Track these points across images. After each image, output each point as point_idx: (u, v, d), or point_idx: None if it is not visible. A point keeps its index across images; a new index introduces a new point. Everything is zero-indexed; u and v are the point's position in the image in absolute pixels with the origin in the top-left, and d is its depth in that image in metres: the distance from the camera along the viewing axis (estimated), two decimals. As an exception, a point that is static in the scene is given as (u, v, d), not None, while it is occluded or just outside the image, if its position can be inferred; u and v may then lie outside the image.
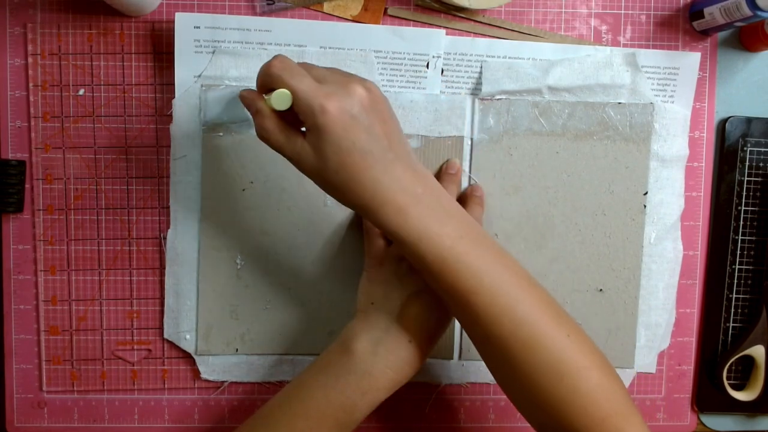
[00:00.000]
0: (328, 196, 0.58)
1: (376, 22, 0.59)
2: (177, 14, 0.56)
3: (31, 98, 0.58)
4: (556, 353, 0.44)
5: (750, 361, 0.63)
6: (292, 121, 0.45)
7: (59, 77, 0.58)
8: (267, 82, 0.45)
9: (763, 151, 0.62)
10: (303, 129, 0.45)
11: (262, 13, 0.58)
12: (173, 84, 0.57)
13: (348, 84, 0.44)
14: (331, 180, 0.44)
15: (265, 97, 0.45)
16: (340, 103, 0.43)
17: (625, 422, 0.45)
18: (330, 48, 0.58)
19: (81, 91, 0.58)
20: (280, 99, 0.44)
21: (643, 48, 0.60)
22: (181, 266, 0.59)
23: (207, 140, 0.58)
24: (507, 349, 0.45)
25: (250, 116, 0.55)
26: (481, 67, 0.59)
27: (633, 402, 0.47)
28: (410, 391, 0.61)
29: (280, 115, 0.45)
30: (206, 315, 0.59)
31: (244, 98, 0.48)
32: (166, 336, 0.60)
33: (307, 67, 0.46)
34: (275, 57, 0.45)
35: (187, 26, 0.57)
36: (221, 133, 0.58)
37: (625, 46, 0.60)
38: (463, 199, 0.59)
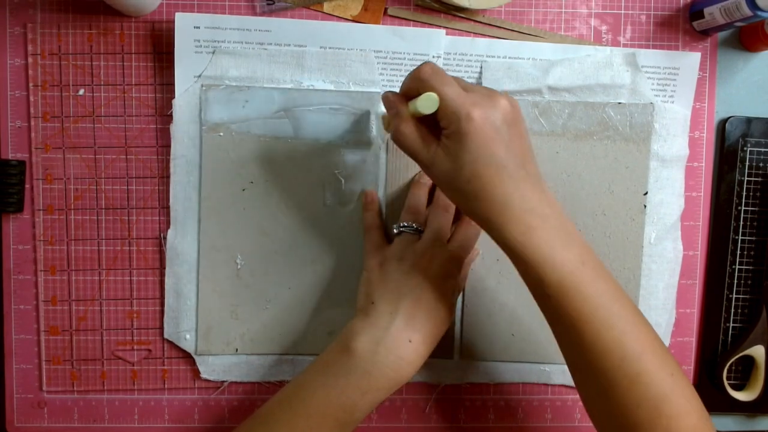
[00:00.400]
0: (327, 195, 0.58)
1: (376, 22, 0.59)
2: (177, 14, 0.56)
3: (31, 98, 0.58)
4: (658, 392, 0.44)
5: (750, 361, 0.63)
6: (428, 129, 0.46)
7: (59, 77, 0.58)
8: (415, 86, 0.45)
9: (763, 151, 0.62)
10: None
11: (262, 13, 0.58)
12: (173, 84, 0.58)
13: (493, 96, 0.44)
14: (462, 188, 0.44)
15: (410, 103, 0.46)
16: (485, 112, 0.43)
17: None
18: (330, 48, 0.58)
19: (81, 91, 0.58)
20: (428, 102, 0.44)
21: (643, 48, 0.60)
22: (181, 266, 0.59)
23: (207, 140, 0.58)
24: (611, 383, 0.44)
25: (250, 116, 0.55)
26: (481, 67, 0.59)
27: None
28: (410, 391, 0.61)
29: (419, 120, 0.46)
30: (206, 315, 0.59)
31: (387, 99, 0.48)
32: (166, 336, 0.60)
33: (455, 78, 0.46)
34: (425, 63, 0.45)
35: (187, 26, 0.57)
36: (221, 133, 0.58)
37: (625, 46, 0.60)
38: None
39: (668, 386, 0.44)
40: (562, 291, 0.44)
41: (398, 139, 0.47)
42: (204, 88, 0.57)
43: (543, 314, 0.47)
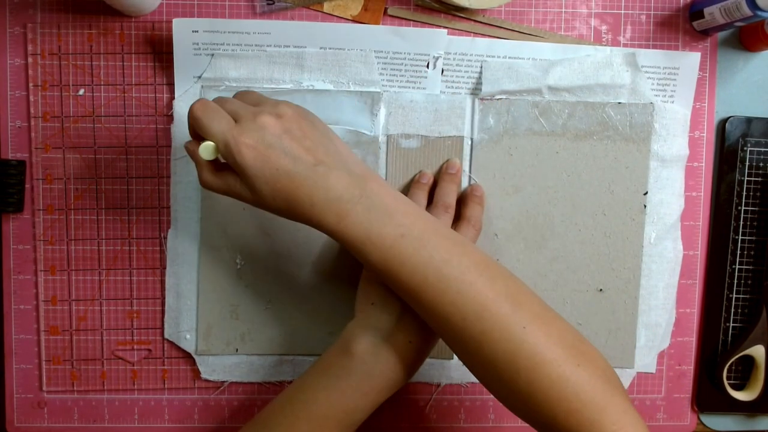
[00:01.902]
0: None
1: (376, 22, 0.59)
2: (174, 20, 0.56)
3: (31, 98, 0.58)
4: (508, 347, 0.44)
5: (750, 361, 0.63)
6: (227, 167, 0.47)
7: (59, 77, 0.58)
8: (194, 127, 0.47)
9: (763, 151, 0.62)
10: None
11: (262, 13, 0.58)
12: (173, 84, 0.58)
13: (257, 116, 0.45)
14: (272, 207, 0.46)
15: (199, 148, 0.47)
16: (251, 138, 0.44)
17: (599, 413, 0.43)
18: (330, 48, 0.58)
19: (81, 91, 0.58)
20: (207, 150, 0.46)
21: (643, 48, 0.60)
22: (182, 266, 0.59)
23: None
24: (461, 343, 0.45)
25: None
26: (481, 67, 0.59)
27: (618, 389, 0.45)
28: (410, 391, 0.61)
29: (218, 162, 0.47)
30: (206, 315, 0.59)
31: (188, 150, 0.49)
32: (166, 336, 0.60)
33: (221, 101, 0.48)
34: (195, 102, 0.47)
35: (185, 31, 0.57)
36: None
37: (625, 46, 0.60)
38: (463, 199, 0.59)
39: (519, 338, 0.43)
40: (386, 265, 0.45)
41: (204, 186, 0.48)
42: (204, 89, 0.57)
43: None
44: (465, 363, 0.47)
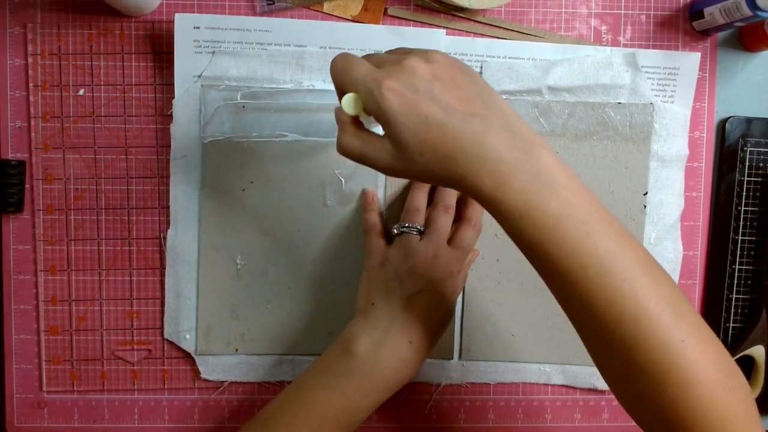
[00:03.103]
0: (327, 195, 0.58)
1: (376, 22, 0.59)
2: (176, 15, 0.56)
3: (31, 98, 0.58)
4: (662, 358, 0.39)
5: (750, 361, 0.63)
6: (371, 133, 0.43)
7: (59, 77, 0.58)
8: (337, 86, 0.43)
9: (763, 151, 0.62)
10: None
11: (262, 13, 0.58)
12: (173, 84, 0.58)
13: (403, 60, 0.40)
14: (419, 165, 0.40)
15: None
16: (397, 81, 0.39)
17: None
18: (330, 48, 0.58)
19: (81, 91, 0.58)
20: (349, 102, 0.42)
21: (643, 48, 0.60)
22: (181, 266, 0.59)
23: (207, 140, 0.58)
24: (608, 345, 0.40)
25: (250, 116, 0.55)
26: (481, 67, 0.59)
27: (757, 419, 0.41)
28: (410, 391, 0.61)
29: (361, 124, 0.43)
30: (206, 315, 0.59)
31: (335, 116, 0.44)
32: (166, 336, 0.60)
33: (369, 57, 0.43)
34: (335, 57, 0.42)
35: (186, 27, 0.57)
36: (221, 134, 0.58)
37: (625, 46, 0.60)
38: (463, 199, 0.59)
39: (675, 352, 0.39)
40: (544, 248, 0.40)
41: (341, 152, 0.44)
42: (204, 88, 0.57)
43: (534, 268, 0.43)
44: (602, 367, 0.43)
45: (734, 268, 0.62)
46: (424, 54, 0.41)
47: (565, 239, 0.39)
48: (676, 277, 0.61)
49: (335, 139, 0.57)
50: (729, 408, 0.40)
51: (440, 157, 0.39)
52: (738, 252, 0.62)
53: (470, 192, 0.40)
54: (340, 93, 0.43)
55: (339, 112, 0.43)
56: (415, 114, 0.39)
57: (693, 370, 0.39)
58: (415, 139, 0.39)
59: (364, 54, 0.44)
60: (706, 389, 0.39)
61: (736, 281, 0.62)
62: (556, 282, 0.41)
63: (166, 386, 0.61)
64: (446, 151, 0.39)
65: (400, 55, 0.42)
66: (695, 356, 0.39)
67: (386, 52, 0.44)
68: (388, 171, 0.42)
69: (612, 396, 0.48)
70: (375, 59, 0.42)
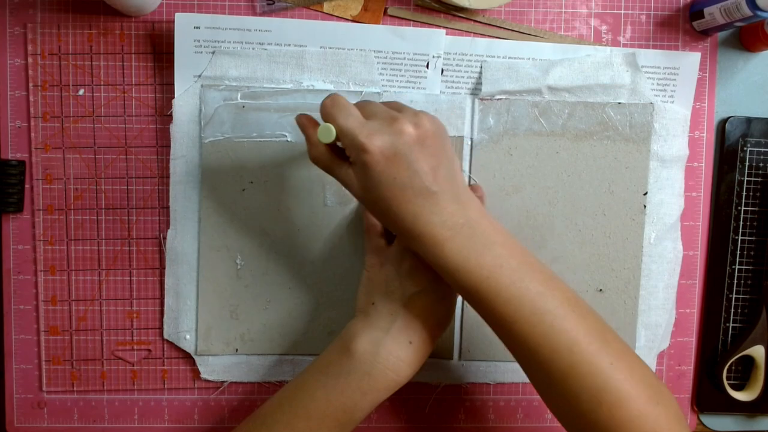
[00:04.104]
0: (327, 195, 0.58)
1: (376, 22, 0.59)
2: (177, 15, 0.56)
3: (31, 98, 0.58)
4: (595, 382, 0.44)
5: (750, 361, 0.63)
6: (340, 152, 0.47)
7: (59, 77, 0.58)
8: (322, 117, 0.47)
9: (763, 151, 0.62)
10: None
11: (262, 13, 0.58)
12: (173, 84, 0.58)
13: (395, 122, 0.45)
14: (373, 208, 0.46)
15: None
16: (382, 141, 0.44)
17: None
18: (330, 48, 0.58)
19: (81, 91, 0.58)
20: (326, 132, 0.46)
21: (643, 48, 0.60)
22: (181, 266, 0.59)
23: (207, 140, 0.58)
24: (547, 375, 0.45)
25: (249, 116, 0.55)
26: (481, 67, 0.59)
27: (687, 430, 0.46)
28: (410, 391, 0.61)
29: (331, 145, 0.47)
30: (206, 315, 0.59)
31: (299, 123, 0.49)
32: (166, 336, 0.60)
33: (362, 104, 0.47)
34: (328, 96, 0.47)
35: (186, 26, 0.57)
36: (221, 134, 0.58)
37: (625, 46, 0.60)
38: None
39: (606, 374, 0.44)
40: (480, 295, 0.45)
41: (313, 161, 0.48)
42: (204, 88, 0.57)
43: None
44: (544, 395, 0.48)
45: (734, 268, 0.62)
46: (414, 117, 0.45)
47: (500, 285, 0.45)
48: (676, 277, 0.61)
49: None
50: (659, 420, 0.44)
51: (392, 211, 0.45)
52: (738, 252, 0.62)
53: (410, 246, 0.47)
54: (323, 119, 0.47)
55: (308, 128, 0.48)
56: (387, 172, 0.44)
57: (623, 388, 0.44)
58: (377, 192, 0.45)
59: (356, 101, 0.48)
60: (638, 405, 0.44)
61: (736, 281, 0.62)
62: (497, 324, 0.46)
63: (166, 386, 0.61)
64: (400, 209, 0.45)
65: (391, 111, 0.46)
66: (623, 376, 0.44)
67: (381, 105, 0.48)
68: (352, 193, 0.47)
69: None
70: (368, 109, 0.47)
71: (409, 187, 0.44)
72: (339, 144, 0.47)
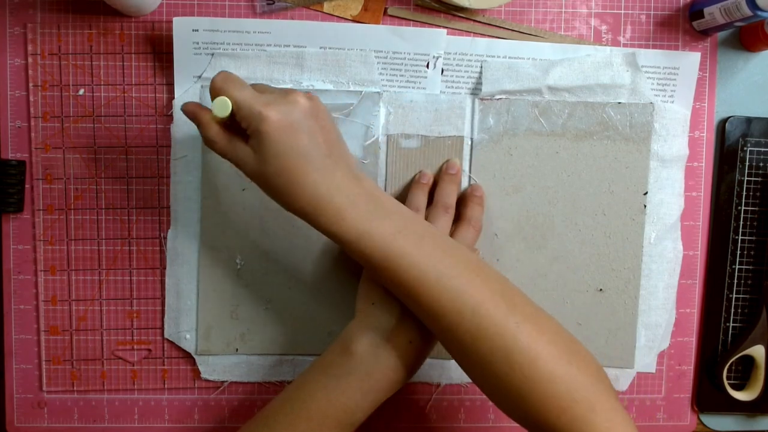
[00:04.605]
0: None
1: (376, 22, 0.59)
2: (175, 19, 0.56)
3: (31, 98, 0.58)
4: (503, 343, 0.44)
5: (750, 361, 0.63)
6: (236, 130, 0.47)
7: (59, 77, 0.58)
8: (213, 95, 0.47)
9: (763, 151, 0.62)
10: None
11: (262, 13, 0.58)
12: (173, 84, 0.58)
13: (289, 94, 0.46)
14: (272, 183, 0.46)
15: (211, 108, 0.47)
16: (278, 109, 0.45)
17: (590, 411, 0.43)
18: (330, 48, 0.58)
19: (81, 91, 0.58)
20: (221, 106, 0.46)
21: (643, 48, 0.60)
22: (181, 266, 0.59)
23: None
24: (457, 340, 0.46)
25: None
26: (481, 67, 0.59)
27: (608, 389, 0.45)
28: (410, 391, 0.61)
29: (224, 124, 0.47)
30: (206, 315, 0.59)
31: (187, 111, 0.49)
32: (166, 335, 0.60)
33: (253, 85, 0.48)
34: (218, 73, 0.47)
35: (185, 30, 0.57)
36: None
37: (625, 46, 0.60)
38: (463, 199, 0.59)
39: (513, 335, 0.44)
40: (384, 261, 0.46)
41: (208, 144, 0.48)
42: (204, 89, 0.57)
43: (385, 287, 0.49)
44: (460, 362, 0.48)
45: (734, 268, 0.62)
46: (305, 93, 0.47)
47: (404, 250, 0.45)
48: (676, 277, 0.61)
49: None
50: (575, 379, 0.44)
51: (293, 183, 0.45)
52: (738, 252, 0.62)
53: (312, 223, 0.47)
54: (213, 99, 0.47)
55: (197, 113, 0.48)
56: (285, 141, 0.45)
57: (533, 348, 0.44)
58: (277, 162, 0.45)
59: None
60: (548, 364, 0.44)
61: (736, 281, 0.62)
62: (404, 292, 0.47)
63: (166, 386, 0.61)
64: (300, 179, 0.45)
65: (281, 89, 0.48)
66: (532, 336, 0.44)
67: (267, 86, 0.49)
68: (245, 173, 0.47)
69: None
70: (258, 87, 0.48)
71: (308, 156, 0.45)
72: (228, 120, 0.47)
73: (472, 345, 0.45)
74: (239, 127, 0.47)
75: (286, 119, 0.45)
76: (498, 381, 0.45)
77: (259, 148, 0.45)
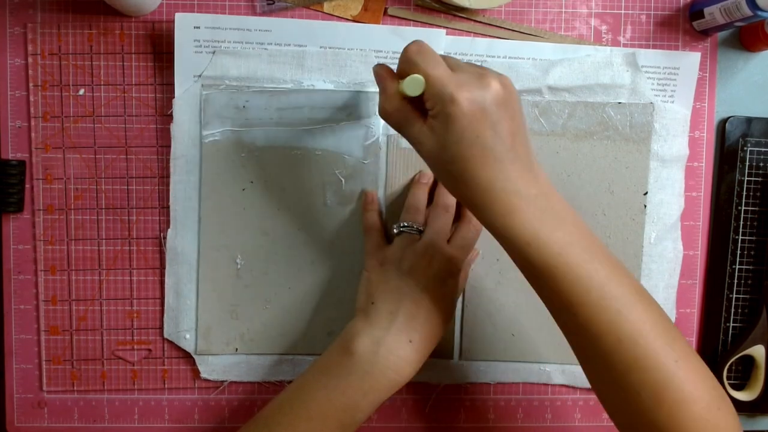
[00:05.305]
0: (327, 195, 0.58)
1: (376, 22, 0.59)
2: (177, 15, 0.56)
3: (31, 98, 0.58)
4: (658, 377, 0.42)
5: (750, 361, 0.63)
6: (415, 107, 0.45)
7: (59, 77, 0.58)
8: (403, 67, 0.45)
9: (763, 151, 0.62)
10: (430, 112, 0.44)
11: (262, 13, 0.58)
12: (173, 84, 0.58)
13: (484, 76, 0.43)
14: (446, 168, 0.44)
15: (399, 82, 0.45)
16: (471, 94, 0.42)
17: None
18: (330, 48, 0.58)
19: (81, 91, 0.58)
20: (414, 84, 0.43)
21: (643, 48, 0.60)
22: (181, 266, 0.59)
23: (207, 140, 0.58)
24: (608, 366, 0.43)
25: (250, 116, 0.55)
26: (481, 67, 0.59)
27: None
28: (410, 391, 0.61)
29: (406, 97, 0.45)
30: (206, 315, 0.59)
31: (376, 74, 0.47)
32: (166, 335, 0.60)
33: (445, 57, 0.45)
34: (413, 42, 0.44)
35: (186, 26, 0.57)
36: (221, 133, 0.58)
37: (625, 46, 0.60)
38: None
39: (670, 371, 0.42)
40: (549, 272, 0.43)
41: (383, 116, 0.46)
42: (204, 88, 0.57)
43: (538, 296, 0.46)
44: (600, 389, 0.46)
45: (734, 268, 0.62)
46: (500, 77, 0.43)
47: (569, 265, 0.43)
48: (676, 277, 0.61)
49: (337, 139, 0.57)
50: (719, 425, 0.43)
51: (468, 172, 0.43)
52: (738, 252, 0.62)
53: (479, 216, 0.44)
54: (402, 71, 0.44)
55: (386, 79, 0.45)
56: (470, 129, 0.42)
57: (687, 389, 0.42)
58: (456, 149, 0.42)
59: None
60: (699, 407, 0.42)
61: (736, 281, 0.62)
62: (561, 306, 0.44)
63: (166, 386, 0.61)
64: (476, 171, 0.42)
65: (477, 68, 0.44)
66: (688, 376, 0.42)
67: (461, 61, 0.46)
68: (418, 151, 0.45)
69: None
70: (450, 62, 0.45)
71: (490, 149, 0.42)
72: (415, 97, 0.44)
73: (625, 375, 0.42)
74: (421, 102, 0.44)
75: (477, 106, 0.42)
76: (641, 416, 0.43)
77: (441, 131, 0.42)
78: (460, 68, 0.44)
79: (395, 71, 0.47)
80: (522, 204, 0.43)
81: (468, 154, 0.42)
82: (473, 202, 0.44)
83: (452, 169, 0.43)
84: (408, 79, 0.43)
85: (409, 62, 0.44)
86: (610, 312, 0.42)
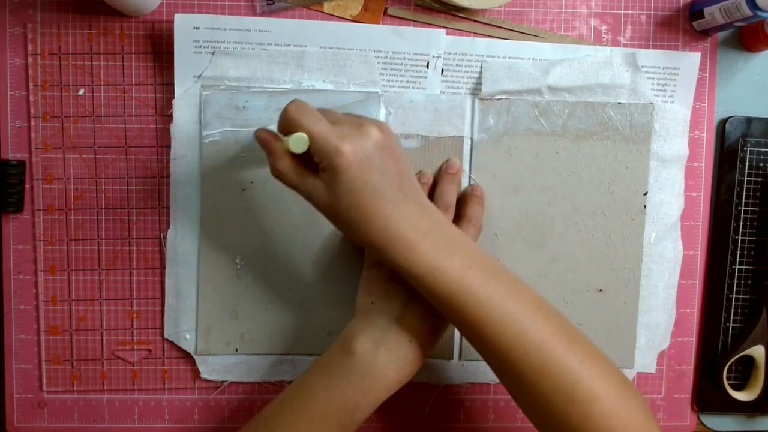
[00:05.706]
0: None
1: (376, 22, 0.59)
2: (176, 15, 0.56)
3: (31, 98, 0.58)
4: (567, 380, 0.45)
5: (750, 361, 0.63)
6: (304, 161, 0.47)
7: (59, 77, 0.58)
8: (285, 125, 0.47)
9: (763, 151, 0.62)
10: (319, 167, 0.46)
11: (262, 13, 0.58)
12: (173, 84, 0.58)
13: (362, 125, 0.45)
14: (343, 217, 0.46)
15: (282, 139, 0.47)
16: (354, 144, 0.44)
17: None
18: (330, 48, 0.58)
19: (81, 91, 0.58)
20: (299, 142, 0.45)
21: (643, 48, 0.60)
22: (181, 266, 0.59)
23: (207, 140, 0.58)
24: (519, 376, 0.46)
25: (250, 116, 0.55)
26: (481, 67, 0.59)
27: (657, 426, 0.47)
28: (410, 391, 0.61)
29: (293, 154, 0.47)
30: (206, 315, 0.59)
31: (260, 138, 0.49)
32: (166, 335, 0.60)
33: (322, 111, 0.47)
34: (291, 102, 0.46)
35: (186, 27, 0.57)
36: (221, 134, 0.58)
37: (625, 46, 0.60)
38: (463, 198, 0.59)
39: (577, 372, 0.45)
40: (453, 297, 0.46)
41: (276, 176, 0.48)
42: (204, 88, 0.57)
43: (449, 321, 0.49)
44: (517, 397, 0.48)
45: (734, 268, 0.62)
46: (378, 123, 0.46)
47: (471, 287, 0.46)
48: (676, 277, 0.61)
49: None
50: (630, 416, 0.45)
51: (365, 217, 0.45)
52: (738, 252, 0.62)
53: (381, 256, 0.46)
54: (284, 129, 0.47)
55: (271, 142, 0.47)
56: (358, 177, 0.44)
57: (595, 387, 0.45)
58: (349, 197, 0.45)
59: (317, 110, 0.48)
60: (610, 402, 0.45)
61: (736, 281, 0.62)
62: (469, 329, 0.47)
63: (166, 386, 0.61)
64: (372, 214, 0.45)
65: (354, 118, 0.47)
66: (594, 374, 0.46)
67: (339, 114, 0.49)
68: (314, 205, 0.47)
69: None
70: (330, 116, 0.47)
71: (380, 191, 0.45)
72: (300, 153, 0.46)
73: (536, 382, 0.46)
74: (309, 158, 0.46)
75: (361, 154, 0.44)
76: (557, 417, 0.45)
77: (332, 183, 0.45)
78: (339, 121, 0.46)
79: (276, 132, 0.49)
80: (419, 237, 0.46)
81: (361, 200, 0.45)
82: (375, 243, 0.46)
83: (349, 217, 0.45)
84: (293, 137, 0.45)
85: (290, 121, 0.46)
86: (513, 327, 0.46)
